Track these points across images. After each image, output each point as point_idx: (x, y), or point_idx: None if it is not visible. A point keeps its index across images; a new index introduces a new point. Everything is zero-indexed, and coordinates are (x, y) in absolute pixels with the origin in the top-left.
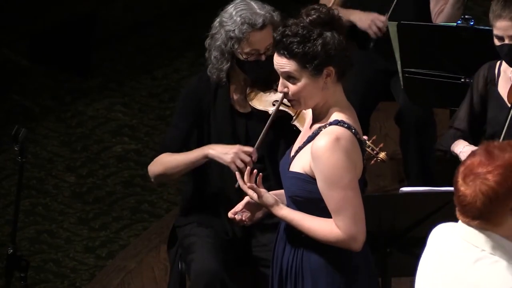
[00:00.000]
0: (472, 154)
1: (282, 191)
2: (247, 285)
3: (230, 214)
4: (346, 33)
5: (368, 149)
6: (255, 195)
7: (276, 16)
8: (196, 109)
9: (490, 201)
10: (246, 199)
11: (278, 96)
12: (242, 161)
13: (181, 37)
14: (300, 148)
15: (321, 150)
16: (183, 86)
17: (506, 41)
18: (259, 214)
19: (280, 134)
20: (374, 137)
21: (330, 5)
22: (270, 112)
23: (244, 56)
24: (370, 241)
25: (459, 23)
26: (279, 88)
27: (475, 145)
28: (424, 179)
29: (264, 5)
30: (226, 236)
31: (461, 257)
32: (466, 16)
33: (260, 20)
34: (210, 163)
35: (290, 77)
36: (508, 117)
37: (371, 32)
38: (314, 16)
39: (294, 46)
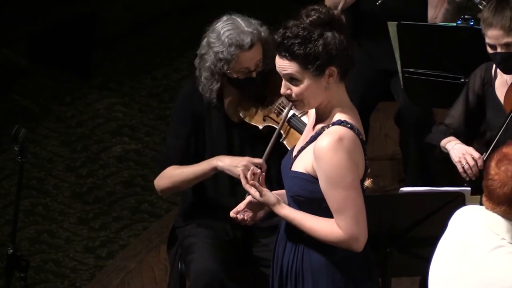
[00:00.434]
0: (510, 142)
1: (283, 191)
2: (247, 285)
3: (232, 214)
4: (347, 32)
5: None
6: (257, 194)
7: (263, 31)
8: (192, 115)
9: None
10: (248, 198)
11: (269, 111)
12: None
13: (181, 37)
14: (302, 148)
15: (324, 150)
16: (183, 86)
17: (499, 50)
18: (261, 214)
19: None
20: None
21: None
22: (260, 127)
23: (235, 75)
24: (370, 241)
25: (459, 23)
26: (282, 90)
27: (467, 144)
28: (424, 179)
29: (251, 20)
30: (227, 237)
31: (479, 243)
32: (466, 16)
33: (248, 40)
34: (204, 159)
35: (292, 79)
36: (504, 124)
37: None
38: (314, 16)
39: (296, 48)
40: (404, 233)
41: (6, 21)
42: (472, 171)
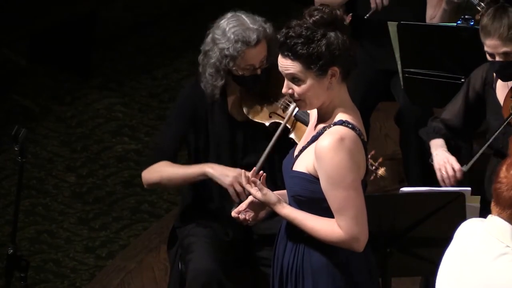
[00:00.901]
0: None
1: (284, 191)
2: (247, 285)
3: (233, 213)
4: (350, 33)
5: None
6: (258, 193)
7: (268, 28)
8: (192, 116)
9: None
10: (250, 198)
11: (275, 107)
12: (242, 185)
13: (181, 37)
14: (304, 148)
15: (325, 150)
16: (183, 86)
17: (497, 58)
18: (262, 214)
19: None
20: (372, 152)
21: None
22: (267, 124)
23: (240, 72)
24: (370, 241)
25: (459, 23)
26: (284, 89)
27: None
28: (424, 179)
29: (256, 17)
30: (226, 237)
31: (484, 251)
32: (466, 16)
33: (254, 37)
34: (208, 159)
35: (295, 79)
36: (499, 128)
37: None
38: (317, 16)
39: (298, 47)
40: (404, 233)
41: (6, 21)
42: (450, 181)
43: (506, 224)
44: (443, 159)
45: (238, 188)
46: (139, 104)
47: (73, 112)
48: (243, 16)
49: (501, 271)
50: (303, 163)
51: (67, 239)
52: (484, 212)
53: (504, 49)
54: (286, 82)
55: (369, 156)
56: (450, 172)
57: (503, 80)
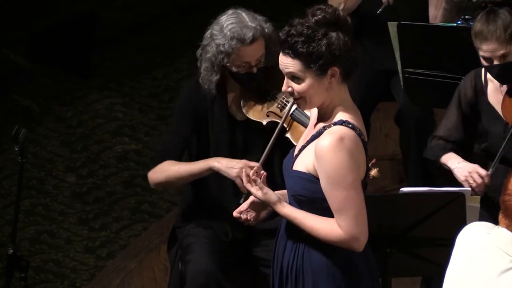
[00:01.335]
0: None
1: (285, 191)
2: (247, 286)
3: (235, 213)
4: (352, 34)
5: None
6: (258, 192)
7: (267, 28)
8: (194, 115)
9: None
10: (251, 198)
11: (272, 106)
12: (247, 176)
13: (181, 37)
14: (303, 147)
15: (325, 149)
16: (183, 86)
17: (495, 62)
18: (263, 214)
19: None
20: (373, 160)
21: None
22: (264, 123)
23: (234, 69)
24: (370, 241)
25: (459, 23)
26: (284, 87)
27: (465, 157)
28: (424, 179)
29: (256, 16)
30: (226, 237)
31: (491, 265)
32: (466, 16)
33: (250, 35)
34: (208, 157)
35: (294, 77)
36: (506, 138)
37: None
38: (320, 16)
39: (299, 46)
40: (404, 233)
41: (6, 21)
42: (481, 189)
43: None
44: (467, 170)
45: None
46: (139, 104)
47: (73, 112)
48: (243, 14)
49: (507, 287)
50: (303, 163)
51: (67, 239)
52: (484, 212)
53: (502, 51)
54: (286, 80)
55: None
56: (479, 180)
57: (503, 83)
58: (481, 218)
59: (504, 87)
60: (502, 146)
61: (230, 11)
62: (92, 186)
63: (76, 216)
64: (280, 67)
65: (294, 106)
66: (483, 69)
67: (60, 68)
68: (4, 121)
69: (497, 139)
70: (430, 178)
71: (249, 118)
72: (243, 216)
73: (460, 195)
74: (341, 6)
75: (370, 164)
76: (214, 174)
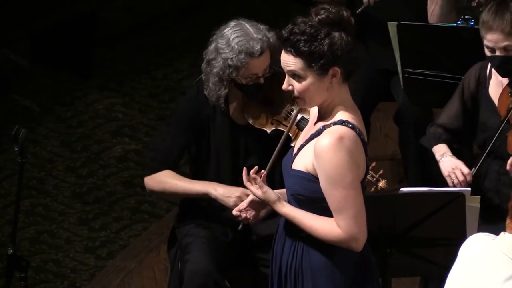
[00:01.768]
0: None
1: (284, 190)
2: (247, 286)
3: (234, 212)
4: (354, 34)
5: (367, 176)
6: (258, 191)
7: (271, 37)
8: (195, 122)
9: None
10: (251, 197)
11: (276, 115)
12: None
13: (181, 37)
14: (302, 146)
15: (324, 149)
16: (183, 86)
17: (498, 53)
18: (263, 213)
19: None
20: (373, 164)
21: None
22: (268, 131)
23: (243, 81)
24: (370, 241)
25: (459, 23)
26: (284, 85)
27: (460, 152)
28: (424, 179)
29: (259, 26)
30: (226, 238)
31: (495, 270)
32: (466, 16)
33: (258, 47)
34: (209, 162)
35: (295, 75)
36: (499, 129)
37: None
38: (323, 15)
39: (301, 44)
40: (404, 233)
41: (6, 21)
42: (461, 186)
43: None
44: (451, 166)
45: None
46: (139, 104)
47: (73, 112)
48: (247, 25)
49: None
50: (302, 162)
51: (67, 239)
52: (484, 213)
53: (506, 43)
54: (286, 78)
55: (370, 168)
56: (461, 178)
57: (503, 75)
58: (481, 219)
59: (505, 80)
60: (492, 141)
61: (232, 23)
62: (92, 186)
63: (76, 216)
64: (282, 64)
65: (300, 116)
66: (489, 63)
67: (60, 68)
68: (4, 121)
69: (492, 134)
70: (430, 178)
71: (250, 123)
72: (243, 215)
73: (460, 195)
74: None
75: (378, 175)
76: (214, 172)
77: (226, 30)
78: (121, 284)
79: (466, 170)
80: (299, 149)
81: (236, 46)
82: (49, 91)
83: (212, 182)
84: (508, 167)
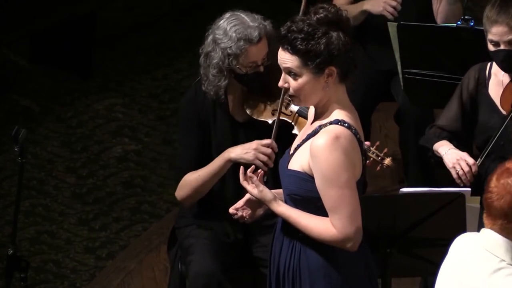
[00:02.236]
0: None
1: (281, 190)
2: (247, 286)
3: (231, 210)
4: (352, 35)
5: (372, 155)
6: (254, 190)
7: (268, 25)
8: (198, 120)
9: None
10: (247, 196)
11: (276, 105)
12: (264, 154)
13: (181, 37)
14: (298, 146)
15: (320, 148)
16: (183, 86)
17: (502, 47)
18: (259, 212)
19: (278, 143)
20: (377, 143)
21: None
22: (270, 122)
23: (243, 70)
24: (370, 241)
25: (459, 24)
26: (280, 82)
27: (461, 147)
28: (424, 180)
29: (254, 15)
30: (227, 238)
31: (479, 267)
32: (466, 17)
33: (256, 34)
34: (211, 160)
35: (291, 73)
36: (502, 126)
37: (387, 13)
38: (322, 15)
39: (298, 42)
40: (404, 234)
41: (6, 21)
42: (467, 177)
43: (499, 237)
44: (455, 157)
45: (262, 157)
46: (139, 105)
47: (73, 112)
48: (242, 15)
49: (498, 287)
50: (298, 162)
51: (67, 240)
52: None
53: (511, 36)
54: (283, 75)
55: (374, 148)
56: (466, 168)
57: (507, 70)
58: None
59: (507, 78)
60: (495, 139)
61: (227, 14)
62: (92, 187)
63: (76, 217)
64: (279, 61)
65: None
66: (488, 63)
67: (60, 68)
68: (4, 121)
69: (493, 134)
70: (430, 178)
71: (251, 119)
72: (239, 213)
73: (460, 196)
74: None
75: (382, 153)
76: None
77: (221, 21)
78: (121, 284)
79: (471, 160)
80: (296, 149)
81: (234, 35)
82: (49, 91)
83: (225, 150)
84: None
